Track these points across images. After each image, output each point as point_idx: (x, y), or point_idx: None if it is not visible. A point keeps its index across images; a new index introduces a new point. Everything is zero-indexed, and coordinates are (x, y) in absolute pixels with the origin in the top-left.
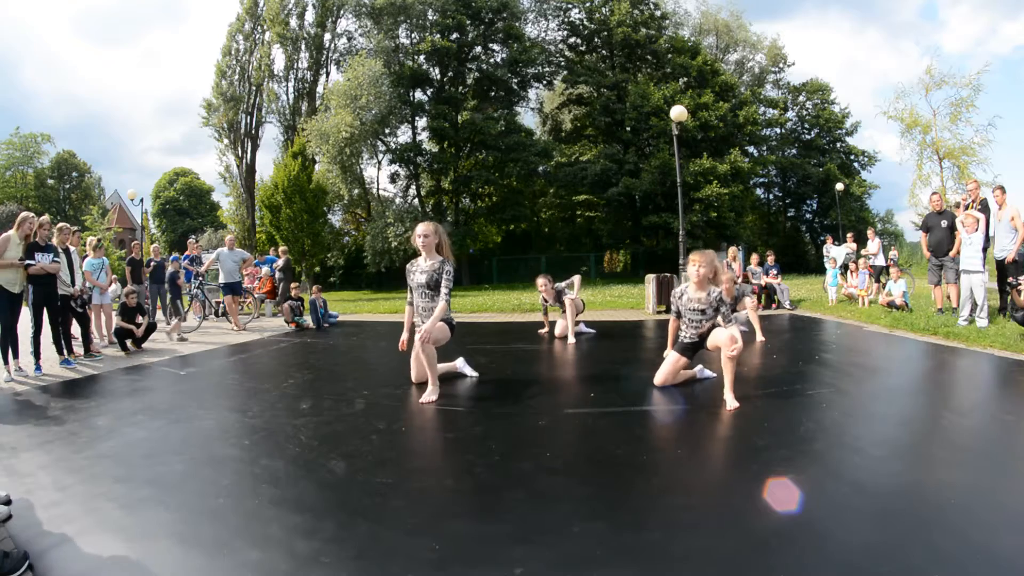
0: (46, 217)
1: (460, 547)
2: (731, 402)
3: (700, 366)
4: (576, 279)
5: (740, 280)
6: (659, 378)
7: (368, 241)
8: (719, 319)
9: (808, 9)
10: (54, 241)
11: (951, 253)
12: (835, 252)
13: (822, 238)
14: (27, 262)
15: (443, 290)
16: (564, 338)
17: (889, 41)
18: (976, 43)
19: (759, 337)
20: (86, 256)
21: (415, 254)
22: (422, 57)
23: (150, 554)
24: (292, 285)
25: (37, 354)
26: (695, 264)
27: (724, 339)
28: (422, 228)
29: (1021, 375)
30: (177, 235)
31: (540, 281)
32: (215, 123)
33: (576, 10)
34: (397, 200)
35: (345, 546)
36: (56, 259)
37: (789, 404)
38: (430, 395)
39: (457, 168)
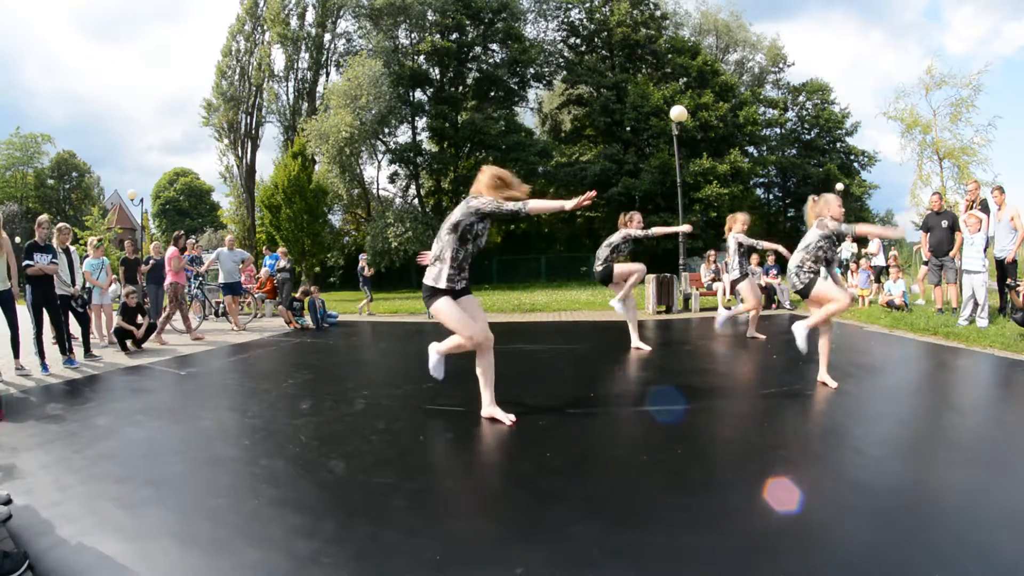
0: (45, 216)
1: (460, 547)
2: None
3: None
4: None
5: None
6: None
7: (368, 241)
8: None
9: (812, 10)
10: (54, 242)
11: (951, 253)
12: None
13: None
14: (26, 262)
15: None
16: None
17: (892, 42)
18: (979, 44)
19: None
20: (86, 256)
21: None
22: (422, 57)
23: (150, 554)
24: (304, 288)
25: (41, 354)
26: None
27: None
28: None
29: (1021, 375)
30: None
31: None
32: (215, 123)
33: (576, 10)
34: (397, 200)
35: (345, 546)
36: (54, 260)
37: (789, 404)
38: (485, 410)
39: (457, 168)
